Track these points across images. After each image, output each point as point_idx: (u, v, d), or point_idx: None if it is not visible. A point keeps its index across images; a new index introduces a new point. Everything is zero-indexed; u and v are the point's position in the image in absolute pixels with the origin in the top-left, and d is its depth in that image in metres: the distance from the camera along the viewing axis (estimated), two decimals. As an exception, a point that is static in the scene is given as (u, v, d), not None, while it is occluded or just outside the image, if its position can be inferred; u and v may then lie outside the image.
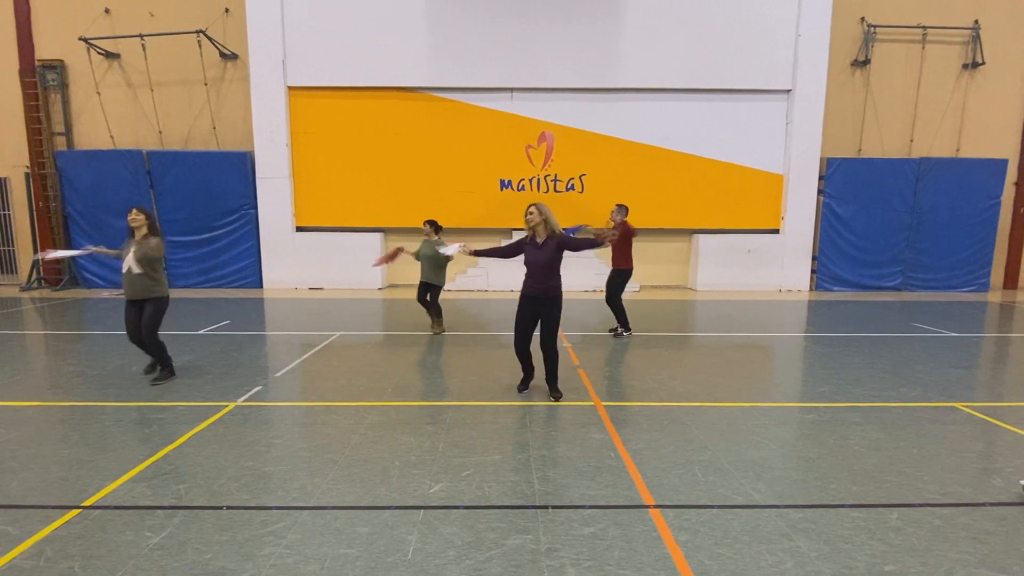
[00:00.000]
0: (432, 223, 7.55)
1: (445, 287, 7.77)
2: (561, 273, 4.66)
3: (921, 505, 3.00)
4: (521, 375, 4.97)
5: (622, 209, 7.14)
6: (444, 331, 7.49)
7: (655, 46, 11.75)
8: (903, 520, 2.85)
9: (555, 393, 4.72)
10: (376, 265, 8.03)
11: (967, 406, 4.65)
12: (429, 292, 7.45)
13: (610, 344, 6.98)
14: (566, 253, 4.69)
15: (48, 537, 2.66)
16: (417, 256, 7.45)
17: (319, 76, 11.75)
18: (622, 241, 7.02)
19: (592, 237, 4.84)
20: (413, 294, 7.96)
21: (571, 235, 4.97)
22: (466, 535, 2.69)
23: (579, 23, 11.66)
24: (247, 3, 11.42)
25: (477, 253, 4.94)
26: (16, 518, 2.83)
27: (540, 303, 4.63)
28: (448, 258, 6.42)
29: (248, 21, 11.49)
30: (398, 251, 6.99)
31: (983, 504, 3.02)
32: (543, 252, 4.59)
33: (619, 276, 7.23)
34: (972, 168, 12.24)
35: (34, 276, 12.10)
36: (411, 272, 8.15)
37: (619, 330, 7.33)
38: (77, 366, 5.80)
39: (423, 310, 7.64)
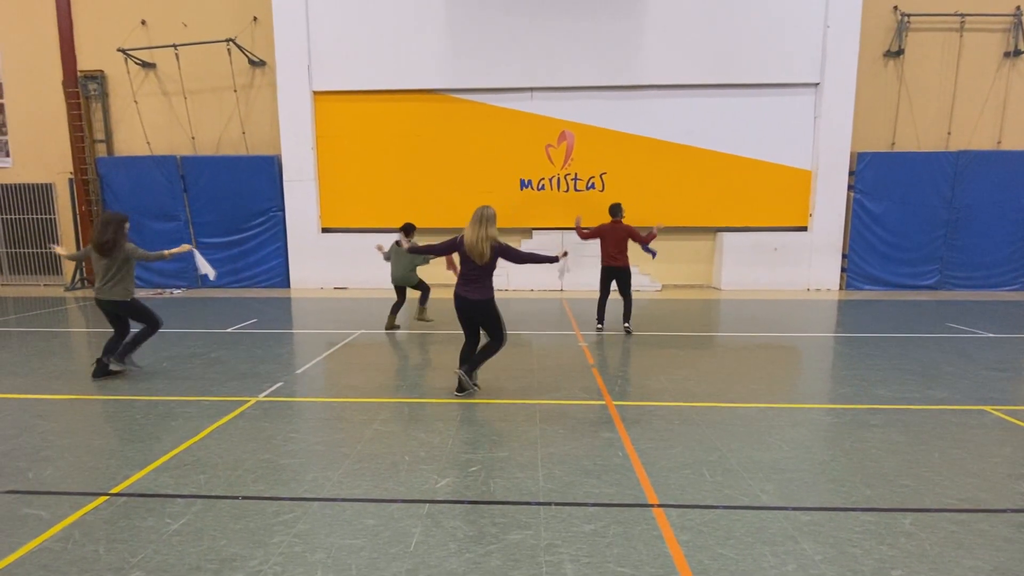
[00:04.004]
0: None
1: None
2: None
3: (937, 510, 2.91)
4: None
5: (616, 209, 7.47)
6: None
7: (677, 41, 11.58)
8: (916, 525, 2.77)
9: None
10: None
11: (998, 409, 4.47)
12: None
13: (626, 344, 6.94)
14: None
15: (77, 522, 2.82)
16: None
17: (343, 81, 11.98)
18: (603, 239, 7.39)
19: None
20: (436, 293, 8.27)
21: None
22: (468, 529, 2.74)
23: (599, 20, 11.59)
24: (274, 11, 11.75)
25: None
26: (49, 503, 3.02)
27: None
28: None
29: (275, 29, 11.82)
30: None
31: (1004, 510, 2.91)
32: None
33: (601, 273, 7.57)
34: (1014, 161, 11.66)
35: (77, 277, 12.73)
36: (436, 271, 8.29)
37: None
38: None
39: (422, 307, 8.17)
